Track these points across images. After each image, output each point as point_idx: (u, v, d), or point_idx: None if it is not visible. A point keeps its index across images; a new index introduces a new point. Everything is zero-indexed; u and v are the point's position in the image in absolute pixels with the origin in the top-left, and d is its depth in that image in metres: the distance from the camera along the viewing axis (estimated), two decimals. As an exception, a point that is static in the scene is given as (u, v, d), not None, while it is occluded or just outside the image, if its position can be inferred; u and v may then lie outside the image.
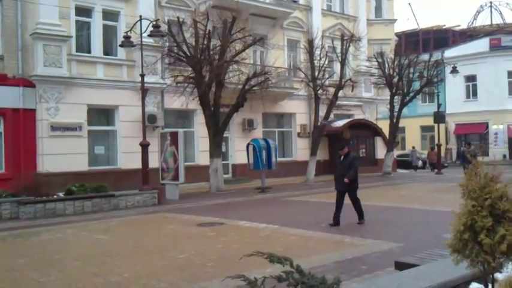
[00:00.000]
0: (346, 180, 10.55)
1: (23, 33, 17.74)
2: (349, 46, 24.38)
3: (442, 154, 32.14)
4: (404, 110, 28.99)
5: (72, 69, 18.47)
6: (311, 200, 16.35)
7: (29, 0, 17.64)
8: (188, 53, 18.22)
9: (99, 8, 19.24)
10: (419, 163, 33.60)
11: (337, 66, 25.36)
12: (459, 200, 3.67)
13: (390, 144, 27.90)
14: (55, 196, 14.03)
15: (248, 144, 20.28)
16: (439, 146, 29.45)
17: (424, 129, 42.17)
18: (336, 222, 10.65)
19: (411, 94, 27.85)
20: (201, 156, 21.50)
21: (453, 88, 38.21)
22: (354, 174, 10.73)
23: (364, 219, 10.89)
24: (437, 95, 29.59)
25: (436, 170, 28.62)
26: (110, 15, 19.69)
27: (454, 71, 28.46)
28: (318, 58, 23.21)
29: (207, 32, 18.16)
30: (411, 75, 27.47)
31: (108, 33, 19.82)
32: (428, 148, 35.32)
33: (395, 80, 26.99)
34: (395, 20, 31.40)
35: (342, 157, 10.99)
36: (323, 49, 23.48)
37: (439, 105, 29.79)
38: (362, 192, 18.54)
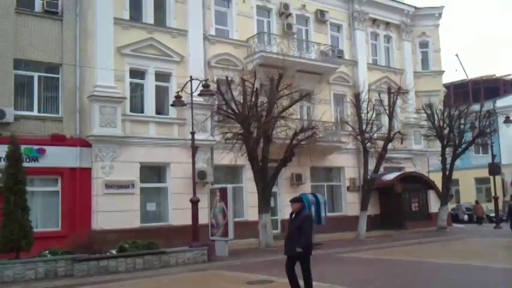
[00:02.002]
0: (298, 249, 8.68)
1: (81, 95, 18.73)
2: (396, 99, 24.31)
3: (500, 207, 30.78)
4: (457, 162, 28.18)
5: (126, 128, 19.20)
6: (364, 256, 15.94)
7: (87, 65, 18.73)
8: (236, 110, 18.65)
9: (152, 70, 20.15)
10: (465, 217, 32.66)
11: (385, 119, 25.22)
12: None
13: (444, 197, 27.04)
14: (108, 253, 14.27)
15: (297, 199, 20.11)
16: (495, 198, 28.31)
17: (479, 181, 40.69)
18: None
19: (463, 145, 27.17)
20: (250, 211, 21.47)
21: (507, 138, 36.97)
22: (304, 242, 8.74)
23: None
24: (491, 146, 28.74)
25: (493, 225, 27.48)
26: (162, 76, 20.55)
27: (508, 121, 27.78)
28: (365, 111, 23.21)
29: (254, 90, 18.60)
30: (462, 126, 26.89)
31: (160, 93, 20.62)
32: (485, 200, 34.23)
33: (446, 131, 26.49)
34: (443, 71, 31.14)
35: (294, 214, 9.12)
36: (370, 102, 23.49)
37: (493, 156, 28.88)
38: (418, 248, 17.98)
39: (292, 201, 9.32)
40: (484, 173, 32.36)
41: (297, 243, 8.71)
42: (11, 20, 17.54)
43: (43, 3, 18.35)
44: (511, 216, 17.73)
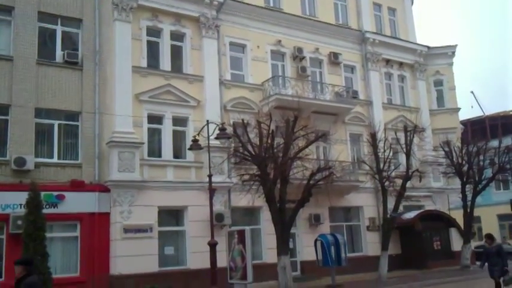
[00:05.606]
0: None
1: (100, 142, 19.03)
2: (413, 137, 24.22)
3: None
4: (478, 199, 27.71)
5: (144, 173, 19.39)
6: (385, 298, 15.59)
7: (106, 112, 19.15)
8: (253, 152, 18.72)
9: (169, 116, 20.51)
10: None
11: (402, 158, 25.09)
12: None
13: (466, 235, 26.50)
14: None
15: (316, 240, 19.94)
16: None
17: (502, 217, 39.88)
18: None
19: (483, 182, 26.80)
20: (269, 253, 21.23)
21: (529, 173, 36.38)
22: None
23: None
24: (512, 182, 28.32)
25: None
26: (179, 121, 20.88)
27: (528, 156, 27.34)
28: (382, 150, 23.14)
29: (270, 132, 18.73)
30: (481, 163, 26.60)
31: (178, 137, 20.89)
32: (509, 237, 33.38)
33: (465, 168, 26.21)
34: (459, 108, 31.07)
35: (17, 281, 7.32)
36: (386, 141, 23.44)
37: (515, 192, 28.40)
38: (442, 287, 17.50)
39: (15, 263, 7.42)
40: (507, 209, 31.90)
41: None
42: (33, 71, 18.15)
43: (63, 54, 18.97)
44: (485, 260, 14.24)
